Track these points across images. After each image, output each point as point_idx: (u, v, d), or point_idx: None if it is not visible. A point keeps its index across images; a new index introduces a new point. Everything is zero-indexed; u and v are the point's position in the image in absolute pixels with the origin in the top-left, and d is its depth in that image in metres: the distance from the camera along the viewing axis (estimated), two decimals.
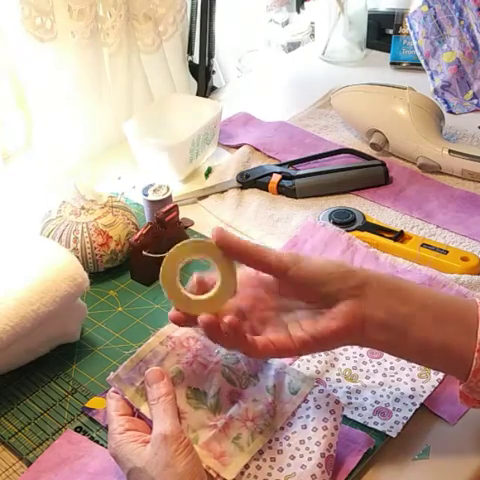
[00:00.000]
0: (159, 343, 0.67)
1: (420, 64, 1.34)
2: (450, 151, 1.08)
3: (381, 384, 0.76)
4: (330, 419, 0.66)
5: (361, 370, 0.78)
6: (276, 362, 0.70)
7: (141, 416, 0.65)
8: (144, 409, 0.65)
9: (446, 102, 1.28)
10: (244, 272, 0.66)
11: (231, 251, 0.64)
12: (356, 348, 0.81)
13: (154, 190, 0.97)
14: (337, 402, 0.68)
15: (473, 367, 0.63)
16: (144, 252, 0.88)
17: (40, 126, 1.12)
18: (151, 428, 0.63)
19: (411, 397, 0.74)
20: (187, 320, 0.64)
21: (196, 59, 1.34)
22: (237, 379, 0.67)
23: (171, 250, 0.63)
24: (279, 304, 0.66)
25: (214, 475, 0.63)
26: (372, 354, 0.80)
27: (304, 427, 0.66)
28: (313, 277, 0.64)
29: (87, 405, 0.76)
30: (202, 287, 0.65)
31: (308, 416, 0.67)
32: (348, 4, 1.40)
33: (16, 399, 0.77)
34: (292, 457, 0.65)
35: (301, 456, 0.65)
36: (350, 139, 1.21)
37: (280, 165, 1.12)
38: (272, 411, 0.67)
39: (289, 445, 0.66)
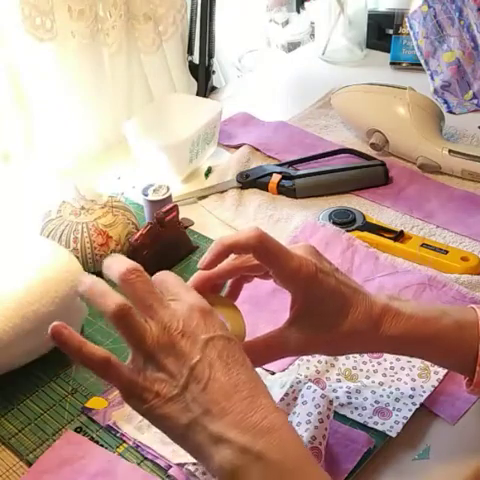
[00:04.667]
0: None
1: (420, 64, 1.34)
2: (450, 151, 1.08)
3: (381, 384, 0.76)
4: (314, 413, 0.67)
5: (361, 370, 0.79)
6: None
7: None
8: None
9: (446, 102, 1.28)
10: None
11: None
12: None
13: (154, 190, 0.97)
14: (323, 396, 0.68)
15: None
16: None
17: (40, 126, 1.12)
18: None
19: (411, 397, 0.75)
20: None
21: (196, 59, 1.34)
22: None
23: None
24: None
25: None
26: (372, 354, 0.80)
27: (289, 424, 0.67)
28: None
29: (87, 405, 0.76)
30: None
31: (294, 413, 0.68)
32: (348, 4, 1.40)
33: (16, 399, 0.77)
34: None
35: None
36: (350, 139, 1.21)
37: (280, 165, 1.12)
38: None
39: None
